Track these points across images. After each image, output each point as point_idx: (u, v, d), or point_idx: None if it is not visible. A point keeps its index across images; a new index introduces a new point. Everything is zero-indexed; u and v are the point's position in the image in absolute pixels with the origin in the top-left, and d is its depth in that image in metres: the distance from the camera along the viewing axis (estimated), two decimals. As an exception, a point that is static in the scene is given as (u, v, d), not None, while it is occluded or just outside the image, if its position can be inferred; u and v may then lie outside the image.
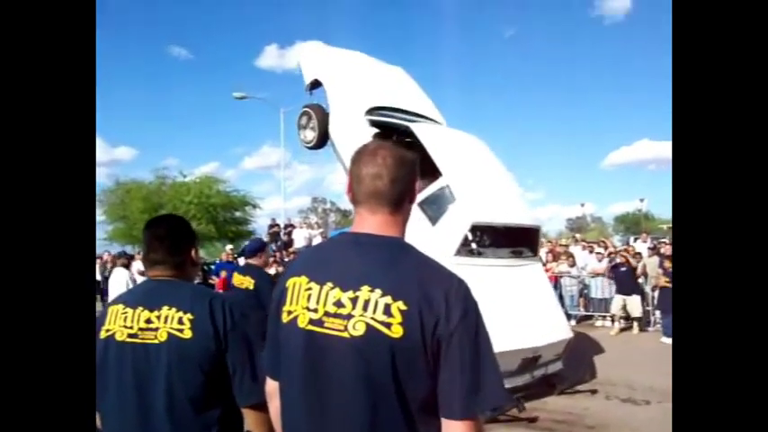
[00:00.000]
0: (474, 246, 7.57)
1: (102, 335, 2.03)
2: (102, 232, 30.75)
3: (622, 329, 12.02)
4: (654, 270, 12.26)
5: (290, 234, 20.09)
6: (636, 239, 16.09)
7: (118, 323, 2.01)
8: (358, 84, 9.55)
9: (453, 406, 1.43)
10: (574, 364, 7.81)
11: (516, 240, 7.83)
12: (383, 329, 1.41)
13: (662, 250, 13.41)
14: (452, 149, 8.09)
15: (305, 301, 1.53)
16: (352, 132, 8.80)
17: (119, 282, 9.63)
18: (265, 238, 21.63)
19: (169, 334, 1.94)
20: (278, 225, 21.58)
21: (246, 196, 31.66)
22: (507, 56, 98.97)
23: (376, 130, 8.57)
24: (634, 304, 11.92)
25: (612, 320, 12.33)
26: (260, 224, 29.97)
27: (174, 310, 1.97)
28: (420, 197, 7.44)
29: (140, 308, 2.00)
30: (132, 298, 2.10)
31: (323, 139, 9.80)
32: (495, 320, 6.23)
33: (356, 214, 1.62)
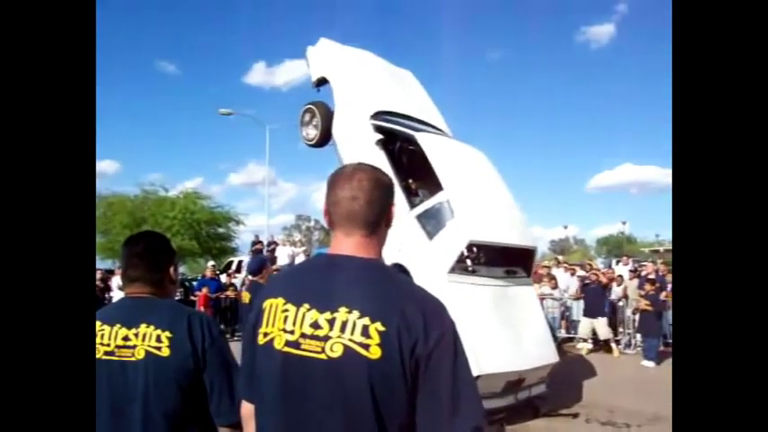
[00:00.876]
0: (469, 263, 7.43)
1: None
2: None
3: (590, 351, 12.10)
4: (634, 293, 12.36)
5: (273, 251, 19.98)
6: (618, 262, 16.21)
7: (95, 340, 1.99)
8: (365, 85, 9.26)
9: (431, 428, 1.42)
10: (557, 386, 7.80)
11: (511, 260, 7.77)
12: (361, 351, 1.40)
13: (643, 273, 13.53)
14: (455, 163, 7.98)
15: (281, 323, 1.52)
16: (355, 135, 8.68)
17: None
18: (248, 255, 21.57)
19: (147, 352, 1.92)
20: (261, 242, 21.45)
21: (230, 212, 31.52)
22: (492, 79, 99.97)
23: (380, 136, 8.37)
24: (601, 327, 12.02)
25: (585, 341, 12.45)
26: (243, 241, 29.87)
27: (152, 327, 1.95)
28: (419, 210, 7.54)
29: (118, 325, 1.98)
30: (110, 315, 2.07)
31: (325, 138, 9.51)
32: (483, 341, 6.27)
33: (333, 237, 1.63)
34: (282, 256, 19.11)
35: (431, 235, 7.23)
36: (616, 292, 13.08)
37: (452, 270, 6.89)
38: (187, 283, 16.60)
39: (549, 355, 7.37)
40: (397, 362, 1.40)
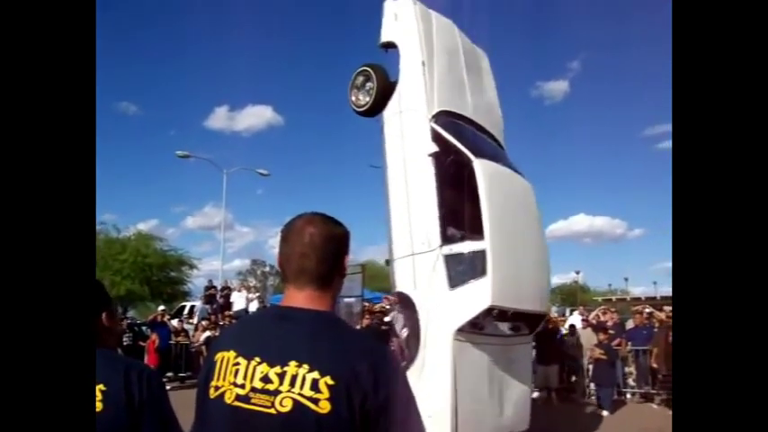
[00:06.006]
0: (480, 322, 6.76)
1: None
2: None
3: (544, 400, 12.10)
4: (588, 342, 12.49)
5: (227, 297, 19.62)
6: (573, 312, 16.43)
7: None
8: (437, 71, 7.57)
9: None
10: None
11: (520, 318, 7.30)
12: (310, 405, 1.39)
13: (595, 322, 13.71)
14: (504, 205, 6.92)
15: (232, 377, 1.49)
16: (409, 135, 7.34)
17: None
18: (201, 301, 21.13)
19: None
20: (214, 287, 21.08)
21: (183, 256, 31.05)
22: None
23: (435, 149, 7.01)
24: (552, 374, 12.10)
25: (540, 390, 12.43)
26: (196, 285, 29.33)
27: None
28: (451, 249, 6.63)
29: None
30: None
31: (376, 109, 7.80)
32: (467, 407, 6.06)
33: (285, 289, 1.63)
34: (239, 302, 18.76)
35: (453, 284, 6.47)
36: (570, 341, 13.19)
37: (461, 330, 6.34)
38: (136, 328, 16.07)
39: (523, 422, 7.12)
40: (346, 416, 1.39)
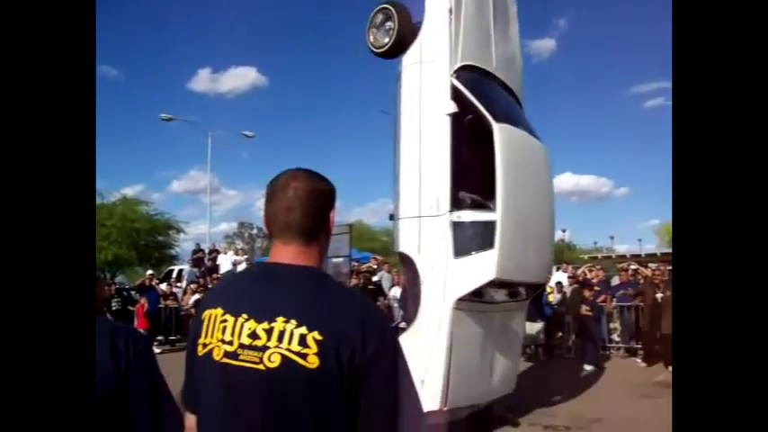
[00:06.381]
0: (481, 292, 6.62)
1: None
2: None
3: (530, 356, 12.34)
4: (574, 299, 12.66)
5: (214, 260, 19.63)
6: (558, 269, 16.59)
7: None
8: (464, 18, 6.83)
9: None
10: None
11: (520, 283, 7.21)
12: (299, 360, 1.39)
13: (581, 279, 13.86)
14: (520, 177, 6.60)
15: (220, 334, 1.49)
16: (427, 89, 6.76)
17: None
18: (188, 264, 21.13)
19: None
20: (202, 250, 21.06)
21: (170, 220, 30.88)
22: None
23: (454, 108, 6.52)
24: (538, 331, 12.30)
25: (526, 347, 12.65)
26: (184, 249, 29.23)
27: None
28: (459, 217, 6.39)
29: None
30: None
31: (395, 51, 7.16)
32: (459, 374, 6.06)
33: (272, 246, 1.62)
34: (225, 264, 18.81)
35: (458, 253, 6.29)
36: (556, 297, 13.36)
37: (462, 299, 6.25)
38: (125, 293, 16.07)
39: (510, 386, 7.18)
40: (335, 371, 1.39)
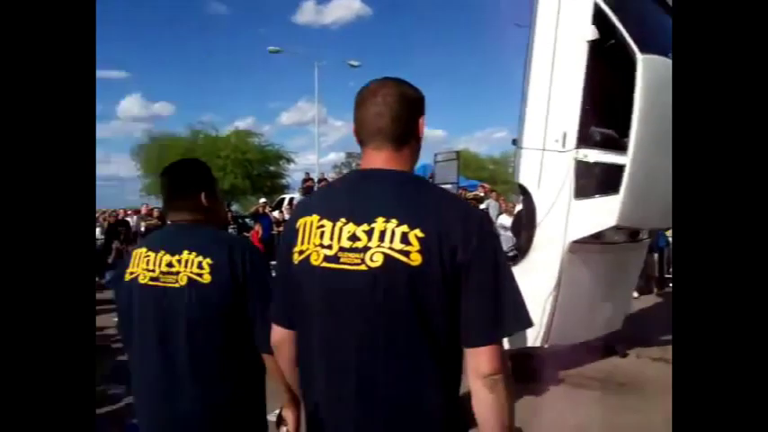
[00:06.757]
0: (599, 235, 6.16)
1: (126, 277, 2.04)
2: (139, 185, 31.42)
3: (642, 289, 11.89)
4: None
5: (323, 189, 20.11)
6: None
7: (141, 266, 2.01)
8: None
9: (475, 333, 1.41)
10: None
11: None
12: (402, 258, 1.38)
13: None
14: (657, 116, 5.55)
15: (317, 239, 1.49)
16: (568, 5, 5.92)
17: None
18: (299, 193, 21.81)
19: (189, 278, 1.92)
20: (312, 179, 21.59)
21: (281, 151, 31.88)
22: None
23: (595, 35, 5.71)
24: (652, 263, 11.78)
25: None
26: (294, 179, 30.23)
27: (194, 254, 1.94)
28: (585, 155, 5.83)
29: (162, 251, 1.99)
30: (155, 242, 2.08)
31: None
32: (564, 315, 5.84)
33: (363, 154, 1.60)
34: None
35: (580, 194, 5.79)
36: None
37: (578, 241, 5.85)
38: (240, 221, 16.90)
39: (616, 325, 6.87)
40: (437, 269, 1.38)
